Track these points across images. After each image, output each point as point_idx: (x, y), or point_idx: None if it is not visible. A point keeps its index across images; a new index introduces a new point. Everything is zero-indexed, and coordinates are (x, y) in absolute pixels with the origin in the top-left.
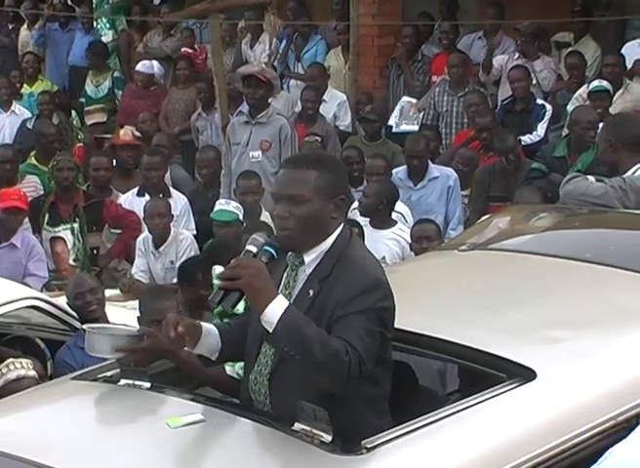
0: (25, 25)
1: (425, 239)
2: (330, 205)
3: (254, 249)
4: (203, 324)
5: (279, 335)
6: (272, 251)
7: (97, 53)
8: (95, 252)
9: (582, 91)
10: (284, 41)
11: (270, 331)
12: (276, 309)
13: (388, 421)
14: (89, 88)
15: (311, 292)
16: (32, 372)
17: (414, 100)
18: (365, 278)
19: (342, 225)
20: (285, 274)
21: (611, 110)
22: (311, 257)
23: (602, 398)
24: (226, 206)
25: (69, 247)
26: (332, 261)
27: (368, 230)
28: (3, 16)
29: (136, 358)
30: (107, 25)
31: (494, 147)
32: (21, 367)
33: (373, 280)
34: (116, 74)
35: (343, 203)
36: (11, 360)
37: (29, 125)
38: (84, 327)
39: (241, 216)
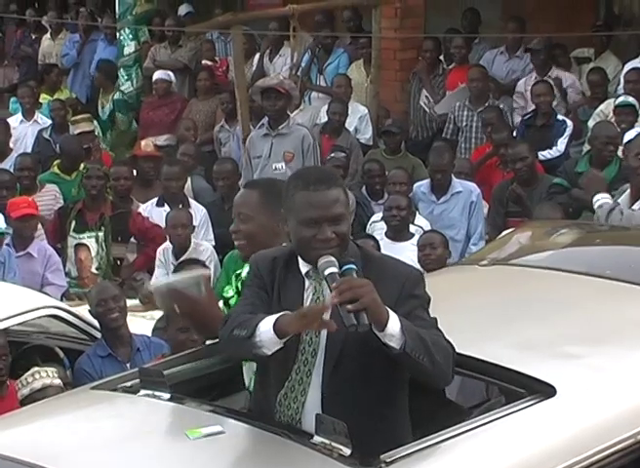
0: (48, 35)
1: (429, 246)
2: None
3: (335, 270)
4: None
5: (410, 345)
6: (355, 267)
7: (102, 72)
8: (119, 262)
9: (604, 107)
10: (307, 54)
11: (398, 344)
12: (395, 321)
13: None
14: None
15: None
16: (57, 381)
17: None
18: (412, 272)
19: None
20: (309, 290)
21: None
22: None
23: (622, 415)
24: None
25: (93, 255)
26: (359, 265)
27: (385, 243)
28: (26, 26)
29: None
30: (130, 36)
31: (507, 156)
32: (47, 375)
33: (418, 272)
34: (117, 96)
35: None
36: (36, 369)
37: (46, 134)
38: (149, 288)
39: None
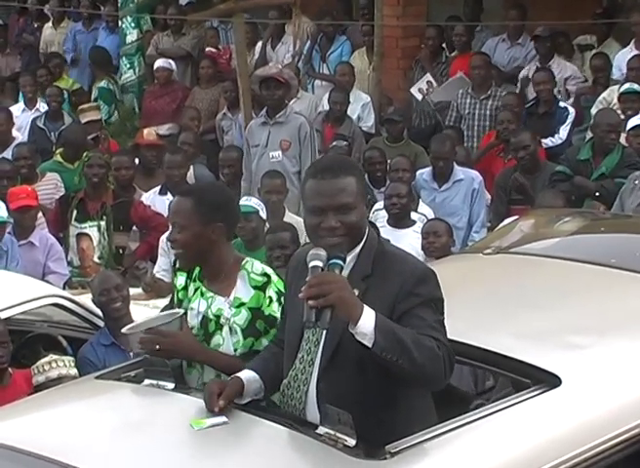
0: (50, 23)
1: (433, 234)
2: (364, 206)
3: (320, 263)
4: (243, 375)
5: (381, 345)
6: (341, 262)
7: (93, 60)
8: (121, 251)
9: (606, 94)
10: (308, 42)
11: (369, 343)
12: (368, 320)
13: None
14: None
15: (356, 291)
16: (74, 371)
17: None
18: (417, 269)
19: (368, 224)
20: None
21: None
22: (348, 259)
23: (627, 405)
24: (247, 201)
25: (95, 244)
26: (369, 259)
27: (387, 230)
28: (28, 14)
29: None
30: (132, 24)
31: (510, 145)
32: (63, 365)
33: (425, 270)
34: (102, 84)
35: (368, 202)
36: (54, 357)
37: (40, 123)
38: (123, 330)
39: (261, 212)
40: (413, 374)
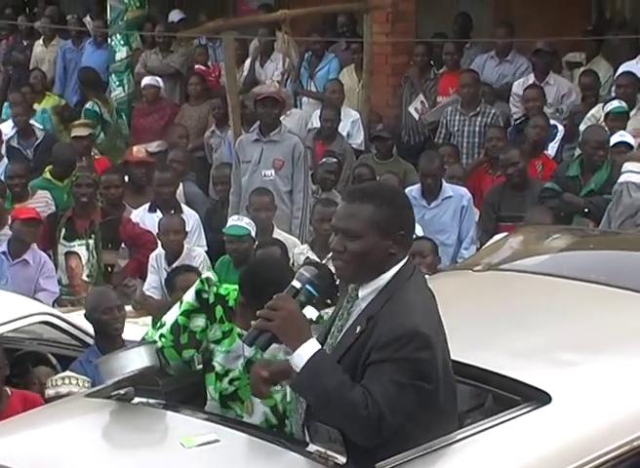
0: (41, 41)
1: (418, 254)
2: (388, 241)
3: (298, 284)
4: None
5: (300, 383)
6: (312, 290)
7: (82, 81)
8: (110, 269)
9: (595, 111)
10: (296, 59)
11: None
12: (304, 355)
13: None
14: None
15: (359, 328)
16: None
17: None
18: (405, 324)
19: (404, 262)
20: (343, 304)
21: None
22: (366, 292)
23: (617, 422)
24: (239, 221)
25: (84, 262)
26: (384, 300)
27: None
28: (18, 32)
29: None
30: (122, 42)
31: (498, 161)
32: (76, 383)
33: (412, 328)
34: (88, 106)
35: (404, 238)
36: (69, 374)
37: (13, 142)
38: (94, 362)
39: (253, 233)
40: (330, 423)
